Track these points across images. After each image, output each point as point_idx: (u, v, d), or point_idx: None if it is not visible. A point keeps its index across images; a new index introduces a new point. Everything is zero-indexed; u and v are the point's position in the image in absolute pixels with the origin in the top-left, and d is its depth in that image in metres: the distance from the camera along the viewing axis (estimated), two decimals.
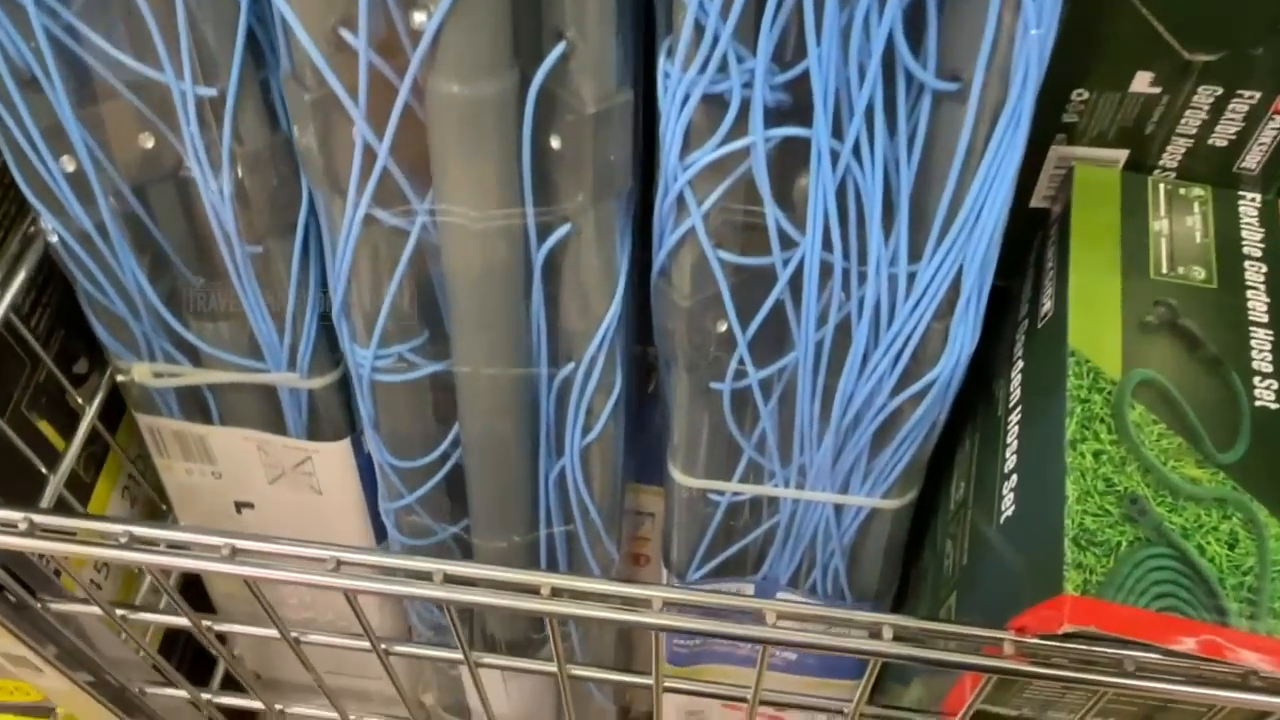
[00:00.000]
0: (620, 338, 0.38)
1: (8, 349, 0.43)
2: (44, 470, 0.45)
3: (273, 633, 0.38)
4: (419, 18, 0.29)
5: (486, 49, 0.30)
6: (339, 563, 0.33)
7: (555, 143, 0.33)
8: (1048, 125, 0.37)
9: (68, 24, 0.34)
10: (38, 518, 0.34)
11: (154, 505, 0.53)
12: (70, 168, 0.36)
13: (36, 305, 0.45)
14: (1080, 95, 0.36)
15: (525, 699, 0.52)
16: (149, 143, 0.37)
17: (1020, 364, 0.36)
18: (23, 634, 0.40)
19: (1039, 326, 0.36)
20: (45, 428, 0.46)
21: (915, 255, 0.33)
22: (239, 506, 0.49)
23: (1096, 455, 0.31)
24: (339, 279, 0.37)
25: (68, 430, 0.47)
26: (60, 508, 0.45)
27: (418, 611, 0.51)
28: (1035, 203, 0.39)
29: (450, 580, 0.33)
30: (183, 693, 0.46)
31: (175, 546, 0.34)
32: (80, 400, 0.47)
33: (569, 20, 0.30)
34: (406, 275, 0.36)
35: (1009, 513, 0.34)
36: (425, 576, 0.33)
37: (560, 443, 0.41)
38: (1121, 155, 0.37)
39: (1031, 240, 0.40)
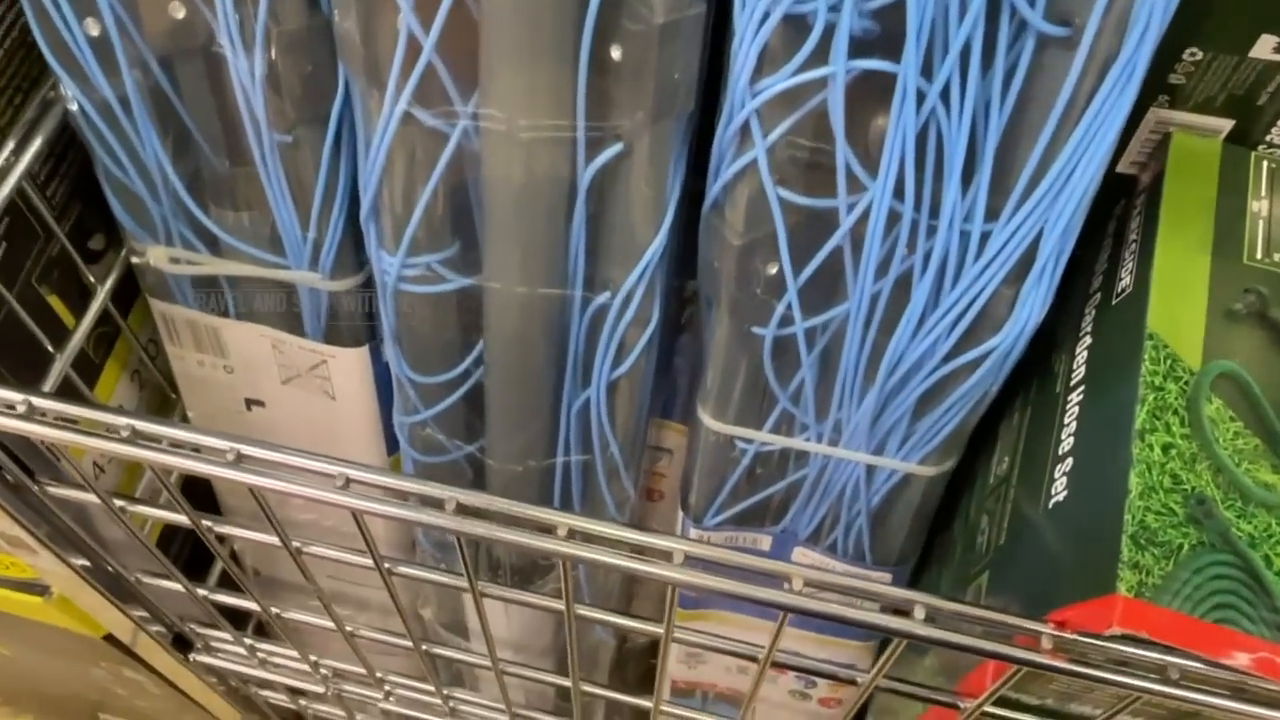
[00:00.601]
0: (662, 271, 0.36)
1: (20, 218, 0.41)
2: (51, 348, 0.43)
3: (275, 540, 0.36)
4: None
5: None
6: (348, 480, 0.31)
7: (616, 53, 0.30)
8: (1150, 85, 0.33)
9: None
10: (38, 401, 0.32)
11: (164, 392, 0.52)
12: (94, 31, 0.34)
13: (54, 174, 0.43)
14: (1193, 55, 0.33)
15: (525, 625, 0.52)
16: (180, 12, 0.34)
17: (1088, 340, 0.34)
18: (18, 514, 0.39)
19: (1113, 302, 0.33)
20: (55, 303, 0.44)
21: (993, 214, 0.30)
22: (249, 403, 0.48)
23: (1166, 449, 0.29)
24: (370, 178, 0.34)
25: (79, 307, 0.45)
26: (65, 391, 0.43)
27: (424, 529, 0.50)
28: (1121, 168, 0.36)
29: (463, 510, 0.31)
30: (178, 586, 0.45)
31: (179, 444, 0.33)
32: (93, 279, 0.45)
33: None
34: (442, 181, 0.34)
35: (1060, 498, 0.31)
36: (437, 504, 0.31)
37: (588, 373, 0.39)
38: (1226, 125, 0.34)
39: (1111, 207, 0.37)
